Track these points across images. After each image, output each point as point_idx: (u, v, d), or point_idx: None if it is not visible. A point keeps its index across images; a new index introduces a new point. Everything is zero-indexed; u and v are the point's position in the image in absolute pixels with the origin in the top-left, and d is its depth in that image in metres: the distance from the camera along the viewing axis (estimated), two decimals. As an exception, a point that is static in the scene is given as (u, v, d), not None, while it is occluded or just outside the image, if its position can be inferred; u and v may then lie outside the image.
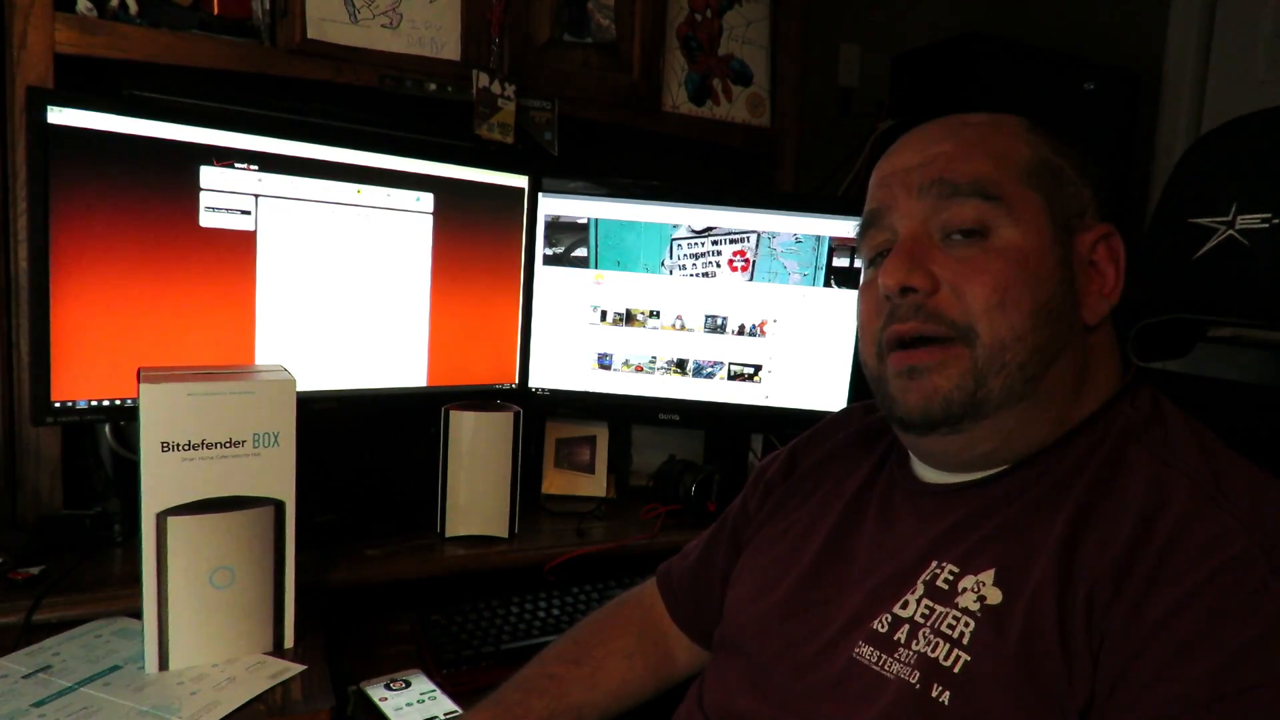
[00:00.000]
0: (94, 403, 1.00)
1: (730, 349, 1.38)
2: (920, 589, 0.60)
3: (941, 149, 0.62)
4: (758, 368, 1.38)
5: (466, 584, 1.12)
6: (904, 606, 0.60)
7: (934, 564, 0.61)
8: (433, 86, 1.25)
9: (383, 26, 1.22)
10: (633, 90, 1.42)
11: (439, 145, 1.29)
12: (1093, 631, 0.51)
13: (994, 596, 0.56)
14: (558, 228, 1.36)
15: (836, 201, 1.63)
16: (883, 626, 0.60)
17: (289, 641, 0.89)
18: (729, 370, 1.38)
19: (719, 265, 1.37)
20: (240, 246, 1.08)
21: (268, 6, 1.15)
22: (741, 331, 1.38)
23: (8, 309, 1.06)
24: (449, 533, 1.17)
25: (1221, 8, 1.92)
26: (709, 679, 0.75)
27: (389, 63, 1.22)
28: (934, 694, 0.55)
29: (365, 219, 1.18)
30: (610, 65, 1.41)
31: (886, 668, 0.58)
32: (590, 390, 1.38)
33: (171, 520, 0.80)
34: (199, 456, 0.81)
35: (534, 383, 1.38)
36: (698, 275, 1.37)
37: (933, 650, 0.56)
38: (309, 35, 1.15)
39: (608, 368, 1.38)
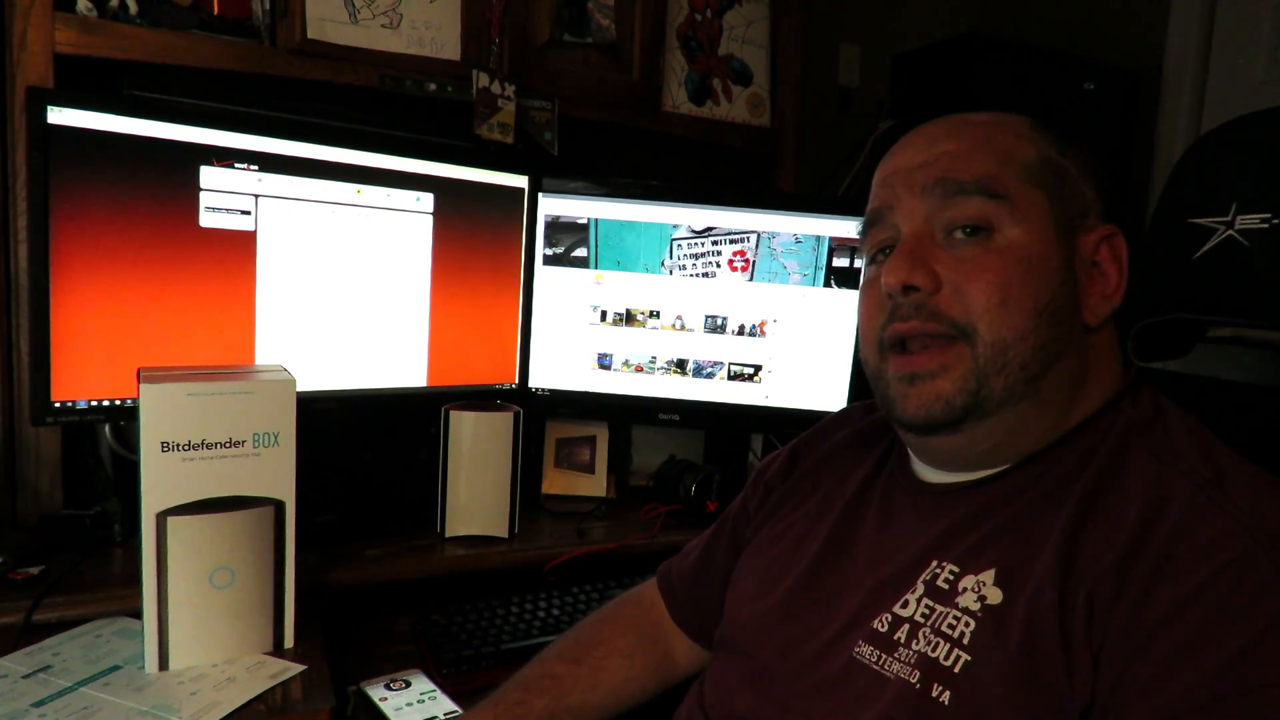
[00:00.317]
0: (94, 403, 1.00)
1: (730, 349, 1.38)
2: (920, 588, 0.60)
3: (945, 148, 0.62)
4: (758, 368, 1.38)
5: (466, 584, 1.12)
6: (904, 606, 0.60)
7: (934, 563, 0.61)
8: (433, 86, 1.25)
9: (383, 26, 1.22)
10: (633, 90, 1.42)
11: (439, 145, 1.29)
12: (1094, 631, 0.51)
13: (994, 596, 0.56)
14: (558, 228, 1.36)
15: (836, 201, 1.63)
16: (883, 626, 0.60)
17: (289, 641, 0.89)
18: (729, 370, 1.38)
19: (719, 265, 1.37)
20: (240, 246, 1.08)
21: (268, 6, 1.15)
22: (741, 331, 1.38)
23: (8, 309, 1.06)
24: (449, 533, 1.17)
25: (1221, 8, 1.92)
26: (709, 679, 0.75)
27: (389, 63, 1.22)
28: (934, 694, 0.55)
29: (365, 219, 1.18)
30: (610, 65, 1.41)
31: (886, 667, 0.58)
32: (590, 390, 1.38)
33: (171, 520, 0.80)
34: (199, 456, 0.81)
35: (534, 383, 1.38)
36: (698, 275, 1.37)
37: (933, 650, 0.56)
38: (309, 35, 1.15)
39: (608, 368, 1.38)
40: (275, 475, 0.85)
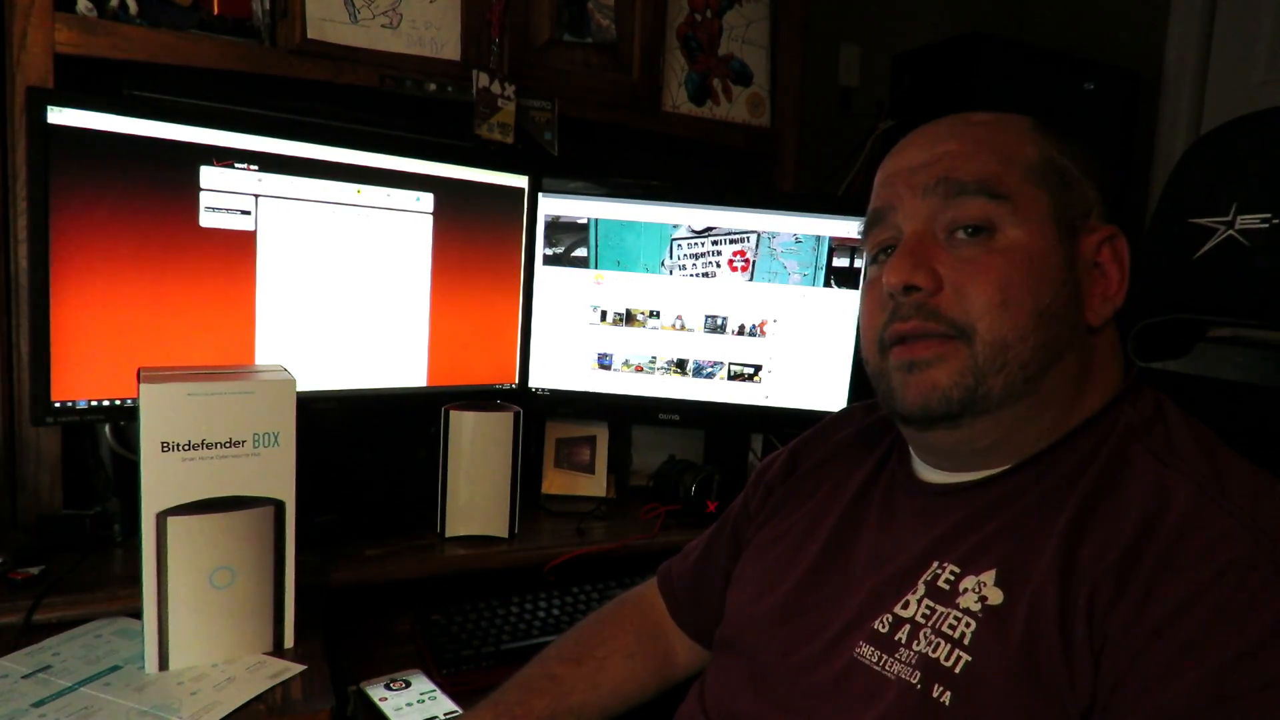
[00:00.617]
0: (94, 403, 1.00)
1: (730, 349, 1.38)
2: (921, 589, 0.60)
3: (947, 148, 0.62)
4: (758, 368, 1.38)
5: (466, 584, 1.12)
6: (905, 607, 0.60)
7: (935, 564, 0.61)
8: (433, 86, 1.25)
9: (383, 26, 1.22)
10: (633, 90, 1.42)
11: (439, 145, 1.29)
12: (1094, 632, 0.51)
13: (995, 597, 0.56)
14: (558, 228, 1.36)
15: (836, 201, 1.63)
16: (884, 627, 0.60)
17: (289, 641, 0.89)
18: (729, 370, 1.38)
19: (719, 265, 1.37)
20: (240, 246, 1.08)
21: (268, 6, 1.15)
22: (741, 331, 1.38)
23: (8, 309, 1.06)
24: (449, 533, 1.17)
25: (1221, 8, 1.92)
26: (710, 679, 0.75)
27: (389, 63, 1.22)
28: (935, 694, 0.55)
29: (365, 219, 1.18)
30: (610, 65, 1.41)
31: (887, 668, 0.58)
32: (590, 390, 1.38)
33: (171, 520, 0.80)
34: (199, 456, 0.81)
35: (534, 383, 1.38)
36: (698, 275, 1.37)
37: (934, 650, 0.56)
38: (309, 35, 1.15)
39: (608, 368, 1.38)
40: (275, 475, 0.85)
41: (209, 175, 1.05)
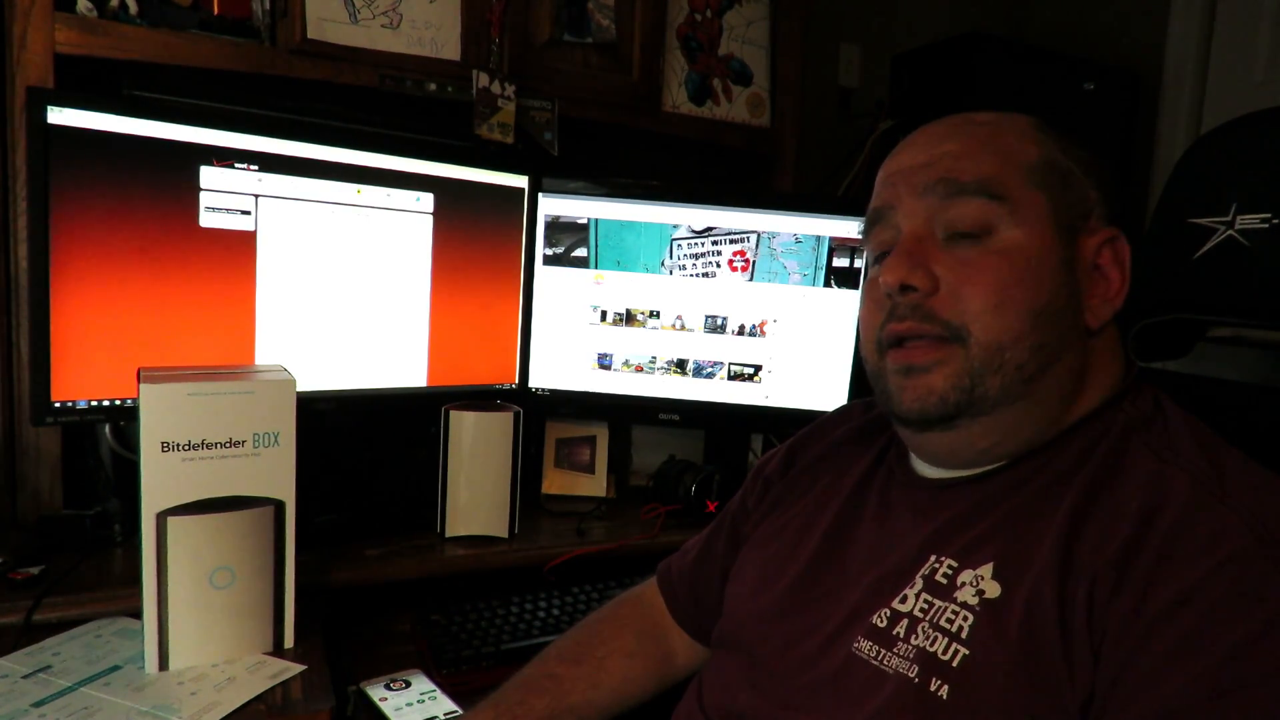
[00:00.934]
0: (94, 403, 1.00)
1: (730, 349, 1.38)
2: (919, 583, 0.60)
3: (947, 148, 0.62)
4: (758, 368, 1.38)
5: (466, 584, 1.12)
6: (903, 601, 0.60)
7: (932, 558, 0.61)
8: (433, 86, 1.25)
9: (383, 26, 1.22)
10: (633, 90, 1.42)
11: (439, 145, 1.29)
12: (1093, 626, 0.51)
13: (993, 590, 0.56)
14: (558, 228, 1.36)
15: (836, 201, 1.63)
16: (881, 621, 0.61)
17: (289, 641, 0.89)
18: (729, 370, 1.38)
19: (719, 265, 1.37)
20: (240, 246, 1.08)
21: (268, 6, 1.15)
22: (741, 331, 1.38)
23: (8, 309, 1.06)
24: (449, 533, 1.17)
25: (1221, 8, 1.92)
26: (708, 676, 0.75)
27: (389, 63, 1.22)
28: (933, 688, 0.55)
29: (365, 219, 1.18)
30: (610, 65, 1.41)
31: (885, 662, 0.58)
32: (590, 390, 1.38)
33: (171, 520, 0.80)
34: (199, 456, 0.81)
35: (534, 383, 1.38)
36: (698, 275, 1.37)
37: (931, 644, 0.56)
38: (309, 35, 1.15)
39: (608, 368, 1.38)
40: (275, 475, 0.85)
41: (209, 175, 1.05)
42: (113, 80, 1.10)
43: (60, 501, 1.09)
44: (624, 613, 0.88)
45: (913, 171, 0.63)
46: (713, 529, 0.87)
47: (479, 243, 1.30)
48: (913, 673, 0.56)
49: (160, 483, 0.80)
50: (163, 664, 0.82)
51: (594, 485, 1.43)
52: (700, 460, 1.51)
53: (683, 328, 1.38)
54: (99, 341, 1.00)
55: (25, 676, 0.79)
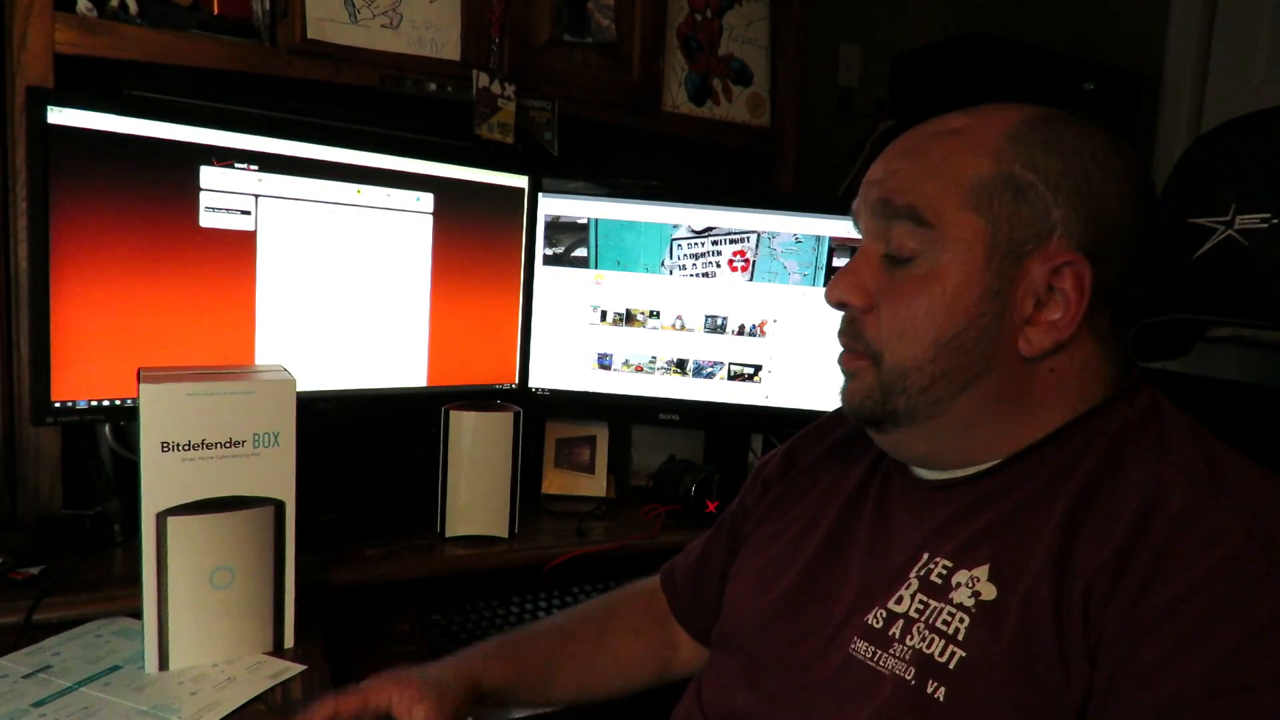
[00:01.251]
0: (94, 403, 1.00)
1: (730, 349, 1.38)
2: (914, 583, 0.60)
3: (897, 166, 0.63)
4: (758, 368, 1.38)
5: (466, 584, 1.12)
6: (898, 601, 0.60)
7: (926, 557, 0.61)
8: (433, 86, 1.25)
9: (383, 26, 1.22)
10: (633, 90, 1.42)
11: (439, 145, 1.29)
12: (1090, 627, 0.51)
13: (989, 592, 0.56)
14: (558, 228, 1.36)
15: (836, 201, 1.62)
16: (878, 622, 0.61)
17: (289, 641, 0.89)
18: (729, 370, 1.38)
19: (719, 265, 1.37)
20: (240, 246, 1.08)
21: (268, 6, 1.15)
22: (741, 331, 1.38)
23: (8, 309, 1.06)
24: (449, 533, 1.17)
25: (1221, 8, 1.92)
26: (707, 676, 0.75)
27: (389, 63, 1.22)
28: (929, 690, 0.55)
29: (365, 219, 1.18)
30: (610, 65, 1.41)
31: (882, 663, 0.58)
32: (590, 390, 1.38)
33: (171, 520, 0.80)
34: (199, 456, 0.81)
35: (534, 383, 1.38)
36: (698, 275, 1.37)
37: (928, 646, 0.56)
38: (309, 35, 1.15)
39: (608, 368, 1.39)
40: (275, 475, 0.86)
41: (209, 175, 1.05)
42: (113, 80, 1.10)
43: (60, 501, 1.09)
44: (635, 595, 0.90)
45: (869, 186, 0.65)
46: (713, 530, 0.87)
47: (479, 243, 1.30)
48: (909, 674, 0.56)
49: (160, 483, 0.80)
50: (163, 664, 0.82)
51: (594, 485, 1.43)
52: (700, 460, 1.51)
53: (683, 328, 1.38)
54: (99, 341, 1.00)
55: (25, 676, 0.79)
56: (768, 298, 1.37)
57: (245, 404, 0.83)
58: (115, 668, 0.82)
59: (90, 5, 1.05)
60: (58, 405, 0.98)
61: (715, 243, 1.36)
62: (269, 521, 0.86)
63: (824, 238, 1.35)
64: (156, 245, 1.02)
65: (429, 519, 1.19)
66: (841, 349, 0.66)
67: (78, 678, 0.80)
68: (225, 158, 1.06)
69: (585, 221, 1.36)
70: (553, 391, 1.39)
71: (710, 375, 1.39)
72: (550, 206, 1.35)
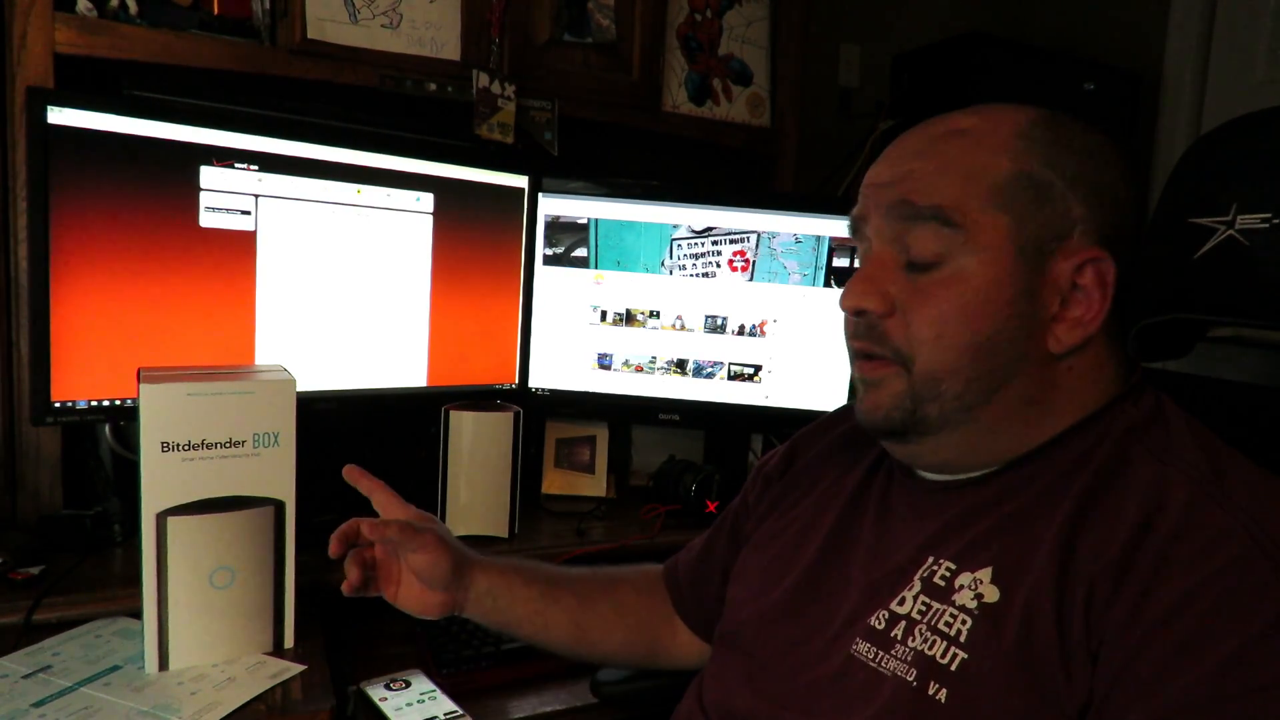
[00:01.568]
0: (94, 403, 1.00)
1: (730, 349, 1.38)
2: (917, 585, 0.60)
3: (913, 166, 0.61)
4: (758, 368, 1.38)
5: (466, 584, 1.12)
6: (901, 603, 0.60)
7: (930, 560, 0.61)
8: (433, 86, 1.25)
9: (383, 26, 1.22)
10: (633, 90, 1.42)
11: (439, 145, 1.29)
12: (1091, 630, 0.51)
13: (991, 594, 0.56)
14: (558, 228, 1.36)
15: (836, 201, 1.63)
16: (880, 623, 0.61)
17: (289, 641, 0.89)
18: (729, 370, 1.38)
19: (719, 265, 1.37)
20: (240, 246, 1.08)
21: (268, 6, 1.15)
22: (741, 331, 1.38)
23: (8, 309, 1.06)
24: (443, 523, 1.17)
25: (1221, 8, 1.92)
26: (708, 676, 0.75)
27: (389, 63, 1.22)
28: (931, 692, 0.55)
29: (365, 219, 1.18)
30: (610, 65, 1.41)
31: (884, 665, 0.58)
32: (590, 390, 1.38)
33: (171, 520, 0.80)
34: (199, 456, 0.81)
35: (534, 383, 1.38)
36: (698, 275, 1.37)
37: (930, 648, 0.56)
38: (309, 35, 1.15)
39: (608, 368, 1.38)
40: (275, 475, 0.86)
41: (209, 175, 1.05)
42: (113, 80, 1.10)
43: (60, 501, 1.09)
44: (642, 569, 0.92)
45: (879, 188, 0.63)
46: (715, 527, 0.88)
47: (479, 243, 1.30)
48: (911, 676, 0.56)
49: (160, 483, 0.80)
50: (163, 664, 0.82)
51: (594, 485, 1.43)
52: (700, 460, 1.51)
53: (683, 328, 1.38)
54: (99, 341, 1.00)
55: (25, 676, 0.79)
56: (768, 298, 1.37)
57: (245, 404, 0.83)
58: (115, 668, 0.82)
59: (90, 5, 1.05)
60: (58, 405, 0.98)
61: (715, 243, 1.36)
62: (269, 521, 0.86)
63: (824, 238, 1.35)
64: (156, 245, 1.02)
65: (429, 518, 1.19)
66: (858, 357, 0.63)
67: (78, 678, 0.80)
68: (225, 158, 1.06)
69: (585, 221, 1.36)
70: (553, 391, 1.39)
71: (710, 375, 1.39)
72: (550, 206, 1.35)
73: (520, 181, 1.32)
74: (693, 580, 0.86)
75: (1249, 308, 0.73)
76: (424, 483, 1.21)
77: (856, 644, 0.61)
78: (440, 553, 0.77)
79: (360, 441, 1.31)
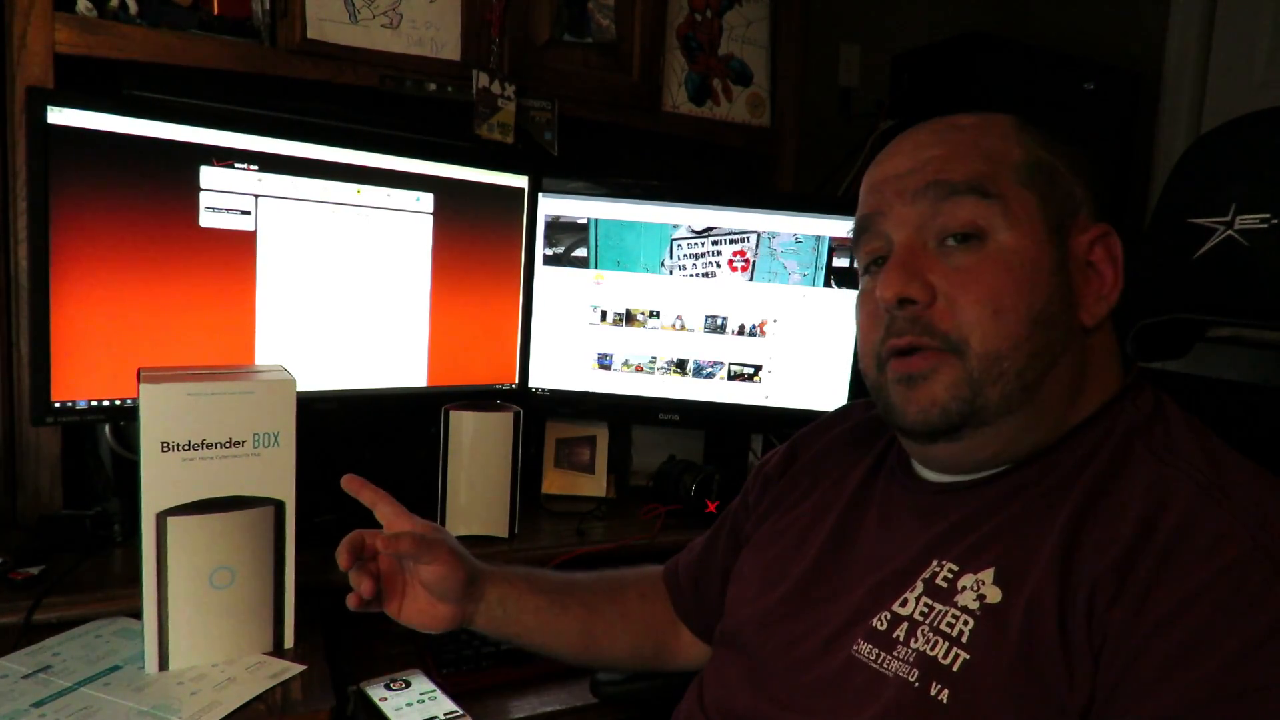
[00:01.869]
0: (94, 403, 1.00)
1: (730, 349, 1.38)
2: (920, 587, 0.60)
3: (933, 153, 0.61)
4: (758, 368, 1.38)
5: (466, 584, 1.12)
6: (903, 604, 0.60)
7: (934, 562, 0.61)
8: (433, 86, 1.25)
9: (383, 26, 1.22)
10: (633, 90, 1.42)
11: (439, 145, 1.29)
12: (1094, 631, 0.51)
13: (994, 595, 0.56)
14: (558, 228, 1.36)
15: (836, 201, 1.63)
16: (882, 624, 0.61)
17: (289, 641, 0.89)
18: (729, 370, 1.38)
19: (719, 265, 1.37)
20: (240, 246, 1.08)
21: (268, 6, 1.15)
22: (741, 331, 1.38)
23: (8, 309, 1.06)
24: (449, 533, 1.17)
25: (1221, 8, 1.92)
26: (709, 676, 0.75)
27: (389, 63, 1.22)
28: (933, 692, 0.55)
29: (365, 219, 1.18)
30: (610, 65, 1.41)
31: (886, 666, 0.58)
32: (590, 390, 1.38)
33: (171, 520, 0.80)
34: (199, 456, 0.81)
35: (534, 383, 1.38)
36: (698, 275, 1.37)
37: (932, 649, 0.56)
38: (309, 35, 1.15)
39: (608, 368, 1.38)
40: (275, 475, 0.85)
41: (209, 175, 1.05)
42: (113, 80, 1.10)
43: (60, 501, 1.09)
44: (644, 572, 0.91)
45: (900, 179, 0.62)
46: (715, 527, 0.88)
47: (479, 243, 1.30)
48: (913, 676, 0.56)
49: (160, 483, 0.80)
50: (163, 664, 0.82)
51: (594, 485, 1.43)
52: (700, 460, 1.51)
53: (683, 328, 1.38)
54: (99, 341, 1.00)
55: (25, 676, 0.79)
56: (768, 298, 1.37)
57: (245, 404, 0.83)
58: (115, 668, 0.82)
59: (90, 5, 1.05)
60: (58, 405, 0.98)
61: (715, 243, 1.36)
62: (269, 521, 0.86)
63: (824, 238, 1.35)
64: (156, 245, 1.02)
65: (429, 519, 1.19)
66: (899, 354, 0.60)
67: (78, 678, 0.80)
68: (225, 158, 1.06)
69: (585, 221, 1.36)
70: (553, 391, 1.39)
71: (710, 375, 1.39)
72: (550, 206, 1.35)
73: (520, 181, 1.32)
74: (693, 581, 0.86)
75: (1248, 308, 0.73)
76: (424, 483, 1.21)
77: (858, 645, 0.61)
78: (454, 564, 0.76)
79: (360, 441, 1.31)
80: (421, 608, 0.78)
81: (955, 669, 0.54)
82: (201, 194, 1.05)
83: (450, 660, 0.95)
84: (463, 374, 1.31)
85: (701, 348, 1.38)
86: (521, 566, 0.85)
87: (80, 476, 1.13)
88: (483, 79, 1.27)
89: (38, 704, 0.75)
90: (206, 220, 1.06)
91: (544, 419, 1.45)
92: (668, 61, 1.47)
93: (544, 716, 0.93)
